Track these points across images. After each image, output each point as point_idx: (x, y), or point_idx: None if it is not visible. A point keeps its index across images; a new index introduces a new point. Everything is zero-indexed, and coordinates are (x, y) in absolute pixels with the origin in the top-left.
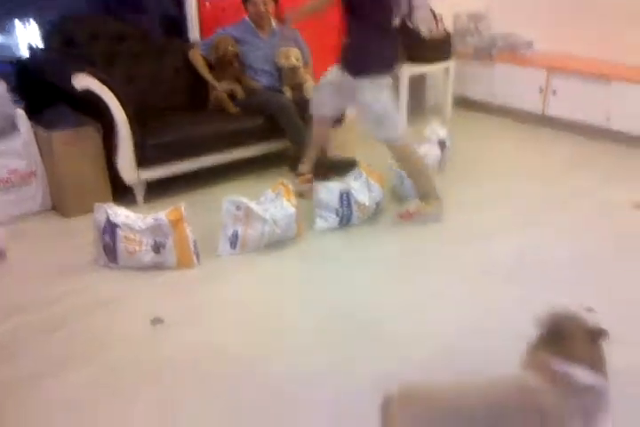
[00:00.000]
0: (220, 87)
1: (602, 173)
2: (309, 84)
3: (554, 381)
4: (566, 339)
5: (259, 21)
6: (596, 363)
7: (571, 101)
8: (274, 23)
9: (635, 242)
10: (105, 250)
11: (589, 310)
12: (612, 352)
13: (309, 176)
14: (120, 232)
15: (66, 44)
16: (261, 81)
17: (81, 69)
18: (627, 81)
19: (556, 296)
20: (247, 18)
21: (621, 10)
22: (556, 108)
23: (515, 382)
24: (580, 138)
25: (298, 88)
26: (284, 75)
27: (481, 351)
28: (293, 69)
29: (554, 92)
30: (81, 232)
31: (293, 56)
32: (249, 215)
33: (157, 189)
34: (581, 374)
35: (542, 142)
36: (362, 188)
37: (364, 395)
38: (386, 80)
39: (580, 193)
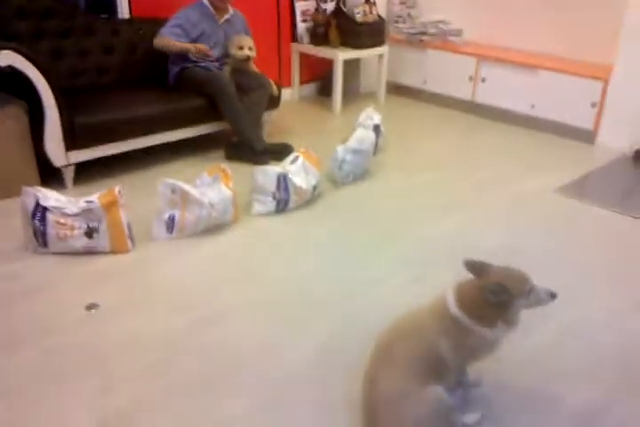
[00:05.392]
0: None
1: (526, 160)
2: (272, 82)
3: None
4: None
5: (217, 5)
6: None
7: (499, 89)
8: (231, 9)
9: (557, 226)
10: (35, 235)
11: None
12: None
13: None
14: (51, 216)
15: None
16: (210, 68)
17: (5, 46)
18: (552, 70)
19: None
20: (205, 0)
21: (545, 3)
22: (485, 96)
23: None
24: (507, 125)
25: (240, 71)
26: (234, 63)
27: None
28: (246, 60)
29: (483, 80)
30: (7, 216)
31: (247, 46)
32: (186, 199)
33: (88, 171)
34: (450, 303)
35: (471, 129)
36: (299, 171)
37: (308, 364)
38: None
39: (505, 180)
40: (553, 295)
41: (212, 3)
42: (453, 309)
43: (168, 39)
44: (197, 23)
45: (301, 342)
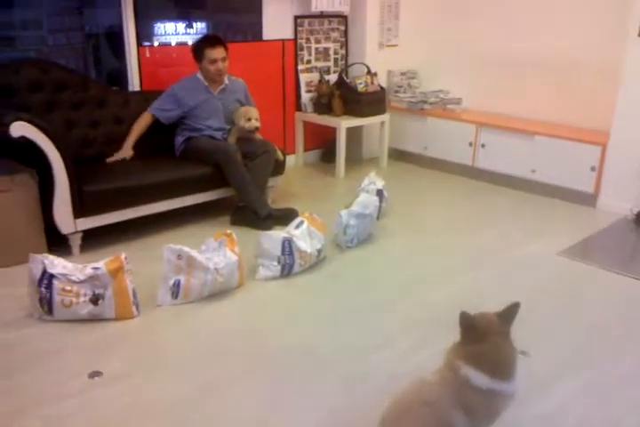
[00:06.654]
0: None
1: (528, 223)
2: (277, 148)
3: (451, 377)
4: (474, 342)
5: (214, 78)
6: (496, 368)
7: (499, 155)
8: (226, 79)
9: (562, 288)
10: (40, 302)
11: (524, 353)
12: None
13: None
14: (57, 283)
15: (4, 91)
16: (215, 136)
17: (18, 117)
18: (551, 136)
19: None
20: (199, 74)
21: (542, 73)
22: (486, 162)
23: (420, 379)
24: (509, 189)
25: (245, 139)
26: (240, 132)
27: None
28: (254, 131)
29: (483, 146)
30: (13, 283)
31: (254, 117)
32: (191, 264)
33: (95, 237)
34: (473, 376)
35: (473, 194)
36: (303, 235)
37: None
38: None
39: (508, 243)
40: None
41: (206, 77)
42: (467, 372)
43: (138, 123)
44: (189, 96)
45: (303, 413)
